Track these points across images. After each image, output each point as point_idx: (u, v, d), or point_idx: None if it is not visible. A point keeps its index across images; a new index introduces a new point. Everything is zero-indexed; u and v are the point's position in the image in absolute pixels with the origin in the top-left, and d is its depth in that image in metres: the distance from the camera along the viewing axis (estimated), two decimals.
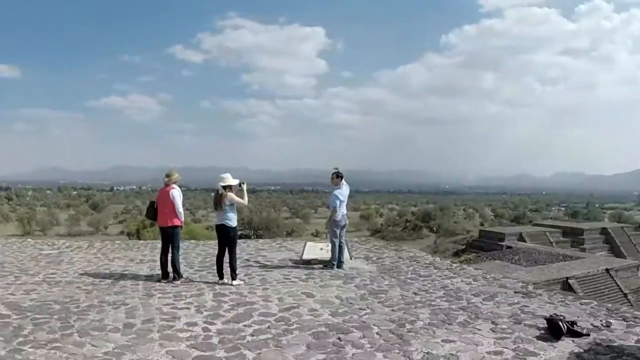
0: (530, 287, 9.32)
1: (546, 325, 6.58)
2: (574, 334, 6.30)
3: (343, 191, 10.77)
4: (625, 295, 39.90)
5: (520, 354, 5.80)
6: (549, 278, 31.44)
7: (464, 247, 59.39)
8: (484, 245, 51.62)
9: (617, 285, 40.42)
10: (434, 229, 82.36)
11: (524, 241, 54.85)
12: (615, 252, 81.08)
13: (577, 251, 54.58)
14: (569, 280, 33.61)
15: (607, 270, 40.97)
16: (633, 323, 6.97)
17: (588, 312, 7.56)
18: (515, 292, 8.82)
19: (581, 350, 5.86)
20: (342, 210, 10.81)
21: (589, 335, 6.34)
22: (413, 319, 7.09)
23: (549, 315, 6.79)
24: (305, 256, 11.64)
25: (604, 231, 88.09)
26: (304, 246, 12.89)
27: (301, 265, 10.99)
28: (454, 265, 12.09)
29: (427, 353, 5.73)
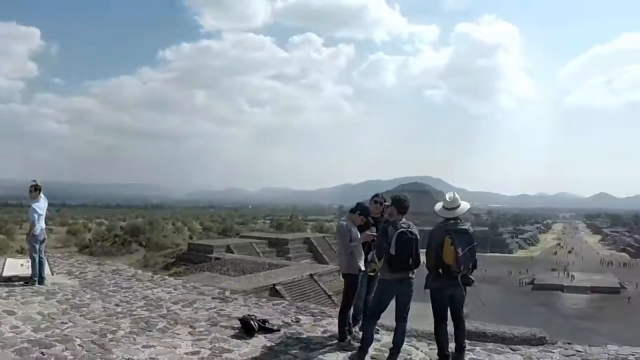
0: (227, 293, 9.79)
1: (240, 325, 7.02)
2: (265, 330, 6.88)
3: (41, 204, 10.30)
4: (329, 296, 41.61)
5: (217, 352, 6.18)
6: (256, 286, 32.66)
7: (173, 260, 58.92)
8: (194, 258, 52.27)
9: (322, 288, 42.97)
10: (143, 243, 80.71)
11: (232, 252, 56.20)
12: (318, 259, 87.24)
13: (282, 260, 58.09)
14: (276, 287, 35.60)
15: (311, 275, 43.79)
16: (320, 317, 7.83)
17: (280, 311, 8.27)
18: (212, 298, 9.25)
19: (273, 344, 6.45)
20: (41, 225, 10.34)
21: (279, 330, 6.99)
22: (114, 329, 7.07)
23: (242, 316, 7.24)
24: (5, 273, 10.85)
25: (306, 241, 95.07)
26: (4, 263, 12.07)
27: (1, 283, 10.14)
28: (156, 276, 12.14)
29: (128, 359, 5.87)
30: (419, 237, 5.96)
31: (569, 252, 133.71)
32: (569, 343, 6.87)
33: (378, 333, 6.63)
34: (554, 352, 6.45)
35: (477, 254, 5.88)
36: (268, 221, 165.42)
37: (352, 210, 6.61)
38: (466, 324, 6.35)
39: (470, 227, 5.98)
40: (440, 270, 5.83)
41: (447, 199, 6.07)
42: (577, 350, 6.54)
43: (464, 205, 6.07)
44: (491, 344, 6.75)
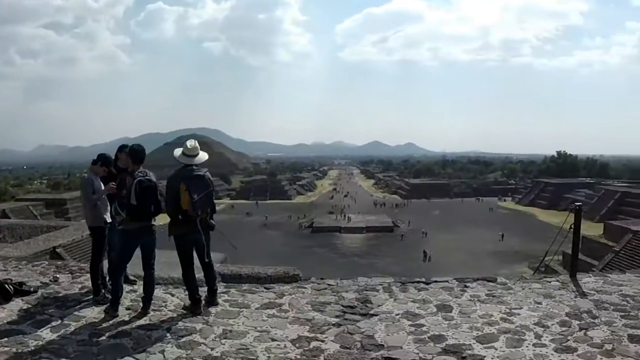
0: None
1: None
2: (22, 293, 6.57)
3: None
4: None
5: None
6: (36, 250, 31.77)
7: None
8: None
9: None
10: None
11: (8, 217, 54.37)
12: None
13: (62, 221, 56.37)
14: (56, 250, 33.85)
15: (90, 234, 42.27)
16: (78, 274, 7.57)
17: (39, 272, 7.83)
18: None
19: (30, 306, 6.22)
20: None
21: (36, 291, 6.71)
22: None
23: None
24: None
25: None
26: None
27: None
28: None
29: None
30: (157, 184, 5.95)
31: (345, 196, 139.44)
32: (321, 279, 7.27)
33: (136, 284, 6.83)
34: (306, 287, 6.90)
35: (214, 199, 6.13)
36: (45, 181, 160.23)
37: (94, 162, 6.60)
38: (224, 268, 7.46)
39: (207, 174, 6.08)
40: (180, 217, 5.89)
41: (188, 146, 6.15)
42: (329, 284, 7.01)
43: (202, 155, 6.23)
44: (246, 284, 6.98)
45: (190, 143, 6.18)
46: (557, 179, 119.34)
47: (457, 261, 56.14)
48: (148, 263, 6.04)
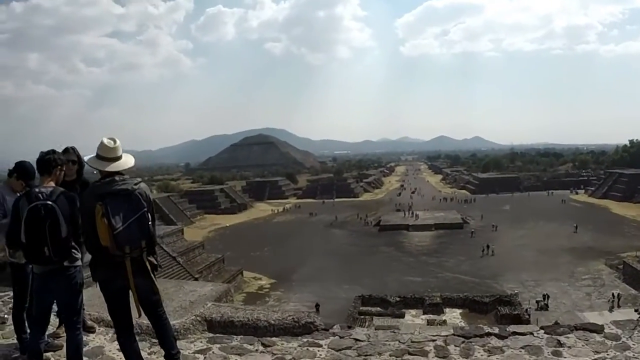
0: None
1: None
2: None
3: None
4: (174, 258, 41.06)
5: None
6: None
7: None
8: None
9: (165, 250, 42.02)
10: None
11: None
12: (165, 219, 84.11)
13: None
14: None
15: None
16: None
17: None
18: None
19: None
20: None
21: None
22: None
23: None
24: None
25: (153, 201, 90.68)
26: None
27: None
28: None
29: None
30: (61, 210, 3.91)
31: (412, 192, 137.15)
32: (348, 327, 5.07)
33: (94, 331, 4.91)
34: (322, 345, 4.67)
35: (154, 223, 3.89)
36: None
37: (9, 173, 4.72)
38: (214, 311, 5.11)
39: (140, 186, 3.84)
40: (100, 254, 3.76)
41: (105, 143, 3.91)
42: (356, 339, 4.71)
43: (127, 160, 4.00)
44: (239, 337, 4.87)
45: (107, 140, 3.99)
46: (632, 169, 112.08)
47: (530, 258, 54.26)
48: (68, 320, 4.16)
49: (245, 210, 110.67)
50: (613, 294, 38.32)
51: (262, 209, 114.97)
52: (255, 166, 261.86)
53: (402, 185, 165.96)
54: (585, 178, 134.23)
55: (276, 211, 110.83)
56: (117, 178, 3.85)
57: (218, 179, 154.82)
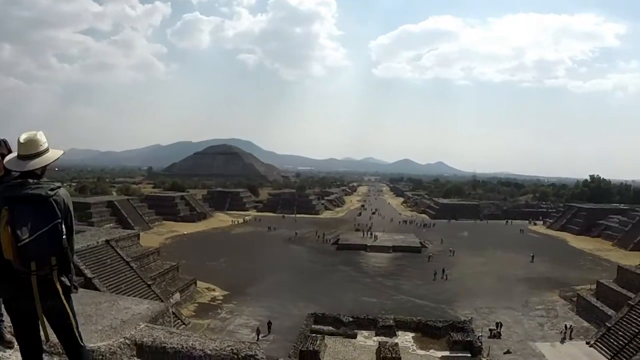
0: None
1: None
2: None
3: None
4: (127, 263, 40.02)
5: None
6: None
7: None
8: None
9: (119, 255, 41.04)
10: None
11: None
12: (123, 223, 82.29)
13: (84, 225, 55.72)
14: None
15: (108, 241, 41.65)
16: None
17: None
18: None
19: None
20: None
21: None
22: None
23: None
24: None
25: (110, 204, 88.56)
26: None
27: None
28: None
29: None
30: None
31: (373, 213, 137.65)
32: None
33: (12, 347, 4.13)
34: None
35: (72, 236, 3.33)
36: (74, 184, 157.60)
37: None
38: (146, 334, 4.37)
39: (57, 192, 3.22)
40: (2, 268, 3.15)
41: (21, 141, 3.31)
42: None
43: (48, 156, 3.37)
44: None
45: (26, 135, 3.38)
46: (590, 204, 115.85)
47: (486, 285, 54.78)
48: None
49: (204, 220, 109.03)
50: (566, 326, 38.93)
51: (221, 219, 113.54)
52: (218, 176, 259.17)
53: (363, 206, 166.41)
54: (545, 210, 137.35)
55: (236, 222, 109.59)
56: (30, 180, 3.26)
57: (180, 185, 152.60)
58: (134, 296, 36.75)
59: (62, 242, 3.16)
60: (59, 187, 3.28)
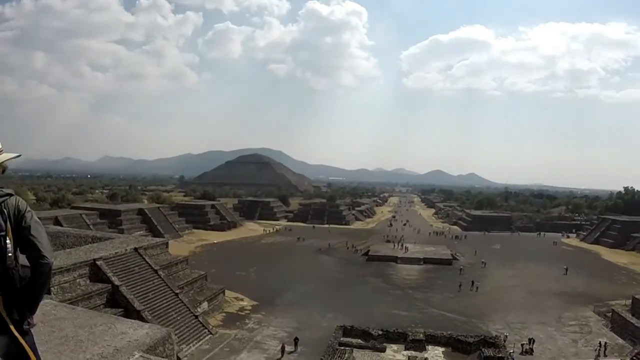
0: None
1: None
2: None
3: None
4: (155, 271, 39.89)
5: None
6: (76, 261, 32.22)
7: None
8: None
9: (147, 263, 40.63)
10: None
11: (61, 225, 53.82)
12: (153, 231, 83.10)
13: (114, 232, 56.42)
14: (96, 262, 34.29)
15: (136, 249, 41.25)
16: None
17: None
18: None
19: None
20: None
21: None
22: None
23: None
24: None
25: (141, 212, 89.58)
26: None
27: None
28: None
29: None
30: None
31: (404, 224, 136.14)
32: None
33: None
34: None
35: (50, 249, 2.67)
36: (106, 191, 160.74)
37: None
38: None
39: (6, 201, 2.62)
40: None
41: None
42: None
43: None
44: None
45: None
46: (625, 216, 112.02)
47: (518, 299, 53.35)
48: None
49: (234, 229, 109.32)
50: (600, 343, 37.32)
51: (251, 229, 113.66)
52: (249, 185, 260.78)
53: (394, 217, 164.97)
54: (578, 222, 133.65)
55: (267, 231, 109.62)
56: None
57: (210, 194, 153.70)
58: (161, 305, 36.69)
59: (5, 262, 2.48)
60: (9, 196, 2.67)
